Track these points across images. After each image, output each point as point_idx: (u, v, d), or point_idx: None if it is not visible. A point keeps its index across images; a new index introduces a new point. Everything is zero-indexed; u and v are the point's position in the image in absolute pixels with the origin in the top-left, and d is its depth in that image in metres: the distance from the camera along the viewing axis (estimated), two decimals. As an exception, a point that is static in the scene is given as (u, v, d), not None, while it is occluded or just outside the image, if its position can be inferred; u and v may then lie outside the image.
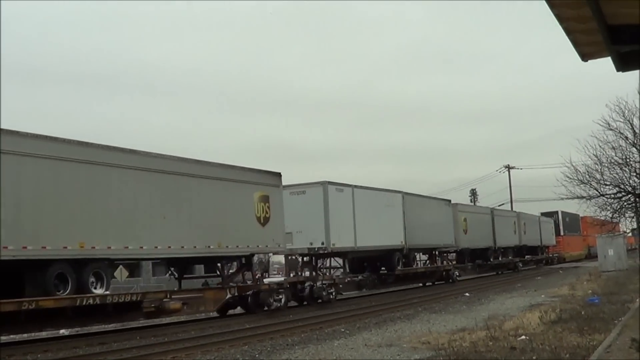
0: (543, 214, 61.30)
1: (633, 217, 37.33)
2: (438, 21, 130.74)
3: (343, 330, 16.91)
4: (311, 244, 25.42)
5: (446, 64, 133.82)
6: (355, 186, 27.80)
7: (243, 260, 21.85)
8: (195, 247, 19.01)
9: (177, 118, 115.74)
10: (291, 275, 24.70)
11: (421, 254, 36.76)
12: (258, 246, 21.44)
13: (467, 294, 27.78)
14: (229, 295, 20.55)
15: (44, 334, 16.72)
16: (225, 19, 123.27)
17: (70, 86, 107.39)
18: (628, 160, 30.72)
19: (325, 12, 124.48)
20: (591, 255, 68.76)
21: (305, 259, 26.65)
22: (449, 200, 38.59)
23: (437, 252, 37.47)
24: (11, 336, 15.88)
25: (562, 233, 65.00)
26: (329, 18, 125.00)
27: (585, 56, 6.79)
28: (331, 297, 24.49)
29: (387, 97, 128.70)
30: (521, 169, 73.11)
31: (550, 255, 61.08)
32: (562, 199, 35.13)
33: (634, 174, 31.04)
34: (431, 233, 34.24)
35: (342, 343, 14.52)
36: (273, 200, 22.26)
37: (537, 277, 39.98)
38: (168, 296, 17.84)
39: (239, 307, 22.23)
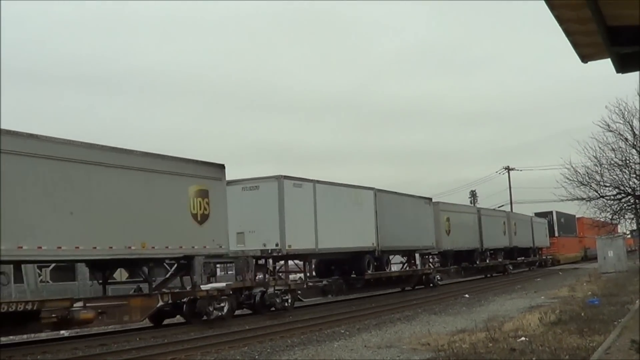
0: (537, 214, 59.92)
1: (633, 219, 37.38)
2: (438, 23, 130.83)
3: (343, 331, 16.91)
4: (264, 245, 22.65)
5: (446, 66, 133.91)
6: (318, 181, 24.98)
7: (180, 263, 19.24)
8: (111, 247, 16.40)
9: (178, 120, 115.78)
10: (238, 279, 21.83)
11: (401, 256, 34.45)
12: (194, 247, 18.83)
13: (466, 296, 27.79)
14: (160, 303, 18.16)
15: (43, 335, 16.71)
16: (225, 22, 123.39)
17: (70, 88, 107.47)
18: (628, 161, 30.81)
19: (324, 14, 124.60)
20: (588, 258, 67.31)
21: (260, 262, 23.61)
22: (430, 199, 35.50)
23: (417, 255, 35.33)
24: (11, 337, 15.87)
25: (556, 234, 62.53)
26: (329, 20, 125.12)
27: (585, 57, 6.81)
28: (286, 304, 21.84)
29: (387, 99, 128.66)
30: (521, 170, 73.03)
31: (544, 257, 58.72)
32: (562, 200, 35.25)
33: (634, 175, 31.10)
34: (408, 234, 31.54)
35: (342, 344, 14.54)
36: (214, 195, 19.58)
37: (536, 279, 39.97)
38: (73, 305, 15.19)
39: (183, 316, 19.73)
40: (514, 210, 61.79)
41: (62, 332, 17.34)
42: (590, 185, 32.17)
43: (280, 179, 22.93)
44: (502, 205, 65.19)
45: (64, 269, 27.88)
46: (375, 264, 28.75)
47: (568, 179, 32.45)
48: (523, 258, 51.37)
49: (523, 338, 12.93)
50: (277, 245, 22.55)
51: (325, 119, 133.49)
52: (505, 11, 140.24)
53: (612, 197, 32.61)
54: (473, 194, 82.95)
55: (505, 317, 17.94)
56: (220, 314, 19.25)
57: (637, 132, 29.78)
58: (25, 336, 16.06)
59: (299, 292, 23.67)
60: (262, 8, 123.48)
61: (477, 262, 41.06)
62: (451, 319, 18.80)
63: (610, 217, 35.34)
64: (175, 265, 19.46)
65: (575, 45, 6.45)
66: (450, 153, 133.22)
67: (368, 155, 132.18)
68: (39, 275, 26.44)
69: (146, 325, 19.09)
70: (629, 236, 58.27)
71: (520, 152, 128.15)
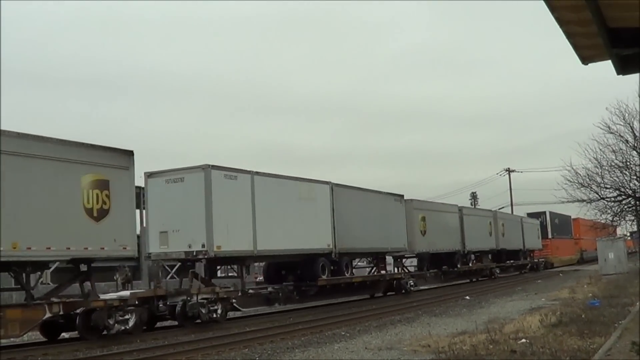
0: (529, 215, 58.08)
1: (633, 221, 37.38)
2: (438, 25, 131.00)
3: (343, 333, 16.90)
4: (189, 246, 19.56)
5: (446, 68, 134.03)
6: (257, 173, 21.62)
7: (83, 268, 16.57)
8: None
9: (178, 121, 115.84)
10: (151, 286, 18.90)
11: (368, 260, 31.42)
12: (87, 248, 15.90)
13: (467, 297, 27.77)
14: (48, 315, 15.34)
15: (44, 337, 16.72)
16: (226, 23, 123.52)
17: (71, 89, 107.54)
18: (628, 163, 30.81)
19: (325, 16, 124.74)
20: (584, 260, 65.65)
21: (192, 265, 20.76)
22: (401, 195, 31.54)
23: (391, 258, 32.35)
24: (11, 339, 15.86)
25: (550, 236, 59.31)
26: (329, 22, 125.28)
27: (585, 59, 6.82)
28: (215, 315, 19.21)
29: (388, 101, 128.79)
30: (521, 172, 72.89)
31: (536, 260, 55.15)
32: (563, 202, 35.28)
33: (634, 177, 31.10)
34: (374, 234, 28.21)
35: (343, 346, 14.54)
36: (117, 187, 16.63)
37: (537, 281, 39.94)
38: None
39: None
40: (514, 212, 61.50)
41: (62, 334, 17.33)
42: (591, 187, 32.21)
43: (207, 168, 19.72)
44: (503, 207, 64.99)
45: (66, 271, 27.82)
46: (332, 268, 25.55)
47: (569, 180, 32.48)
48: (512, 261, 48.59)
49: (524, 340, 12.93)
50: (203, 246, 19.37)
51: (326, 120, 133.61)
52: (505, 13, 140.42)
53: (613, 199, 32.63)
54: (474, 196, 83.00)
55: (505, 319, 17.93)
56: (124, 327, 16.53)
57: (637, 134, 29.79)
58: (26, 338, 16.05)
59: (233, 300, 20.67)
60: (262, 10, 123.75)
61: (459, 266, 37.81)
62: (452, 321, 18.80)
63: (610, 219, 35.38)
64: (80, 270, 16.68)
65: (576, 47, 6.46)
66: (450, 155, 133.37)
67: (368, 157, 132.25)
68: (40, 277, 26.40)
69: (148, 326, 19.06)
70: (629, 238, 58.21)
71: (521, 154, 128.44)
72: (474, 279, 41.27)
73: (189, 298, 18.67)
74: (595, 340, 12.25)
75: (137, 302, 17.50)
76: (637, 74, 7.48)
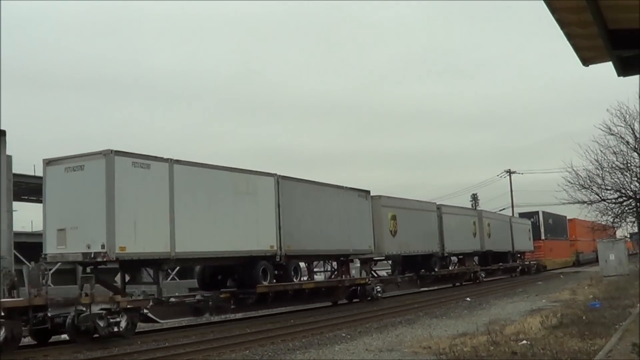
0: (521, 215, 56.37)
1: (634, 222, 37.41)
2: (439, 26, 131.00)
3: (344, 334, 16.88)
4: (88, 247, 16.73)
5: (447, 69, 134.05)
6: (177, 161, 18.57)
7: None
8: None
9: (179, 123, 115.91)
10: (32, 294, 15.78)
11: (333, 262, 27.66)
12: None
13: (468, 299, 27.74)
14: None
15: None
16: (226, 24, 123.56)
17: (73, 90, 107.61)
18: (629, 165, 30.88)
19: (326, 17, 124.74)
20: (580, 263, 63.85)
21: (89, 269, 17.69)
22: (367, 191, 28.20)
23: (357, 261, 29.05)
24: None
25: (543, 237, 56.27)
26: (330, 23, 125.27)
27: (586, 61, 6.83)
28: (118, 329, 16.18)
29: (388, 102, 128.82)
30: (522, 173, 72.83)
31: (527, 263, 52.02)
32: (564, 203, 35.40)
33: (635, 178, 31.16)
34: (333, 234, 25.09)
35: (344, 348, 14.53)
36: None
37: (538, 282, 39.93)
38: None
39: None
40: (516, 214, 61.08)
41: (63, 336, 17.32)
42: (592, 189, 32.28)
43: (109, 154, 16.86)
44: (504, 209, 64.93)
45: (66, 272, 27.80)
46: (278, 272, 22.46)
47: (569, 182, 32.57)
48: (500, 264, 45.34)
49: (524, 341, 12.92)
50: (102, 247, 16.56)
51: (327, 122, 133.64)
52: (506, 14, 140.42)
53: (614, 200, 32.68)
54: (474, 197, 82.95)
55: (506, 321, 17.93)
56: None
57: (638, 135, 29.86)
58: (26, 339, 16.04)
59: (146, 311, 17.55)
60: (263, 11, 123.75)
61: (436, 269, 34.06)
62: (452, 322, 18.79)
63: (611, 220, 35.42)
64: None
65: (577, 49, 6.47)
66: (451, 156, 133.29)
67: (369, 159, 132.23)
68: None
69: (149, 327, 19.08)
70: (629, 239, 58.05)
71: (522, 155, 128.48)
72: (457, 284, 38.59)
73: (82, 309, 15.75)
74: (596, 341, 12.25)
75: (2, 314, 14.41)
76: (638, 76, 7.48)
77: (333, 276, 27.55)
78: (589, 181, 32.17)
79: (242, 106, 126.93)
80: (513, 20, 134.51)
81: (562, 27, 5.84)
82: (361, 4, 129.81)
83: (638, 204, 31.91)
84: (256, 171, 21.72)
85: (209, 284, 21.69)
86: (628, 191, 31.69)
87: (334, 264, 27.69)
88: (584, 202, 33.12)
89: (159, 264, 18.39)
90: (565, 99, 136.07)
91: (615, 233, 45.44)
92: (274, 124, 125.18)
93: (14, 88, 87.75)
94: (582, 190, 32.44)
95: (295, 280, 23.22)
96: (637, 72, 7.19)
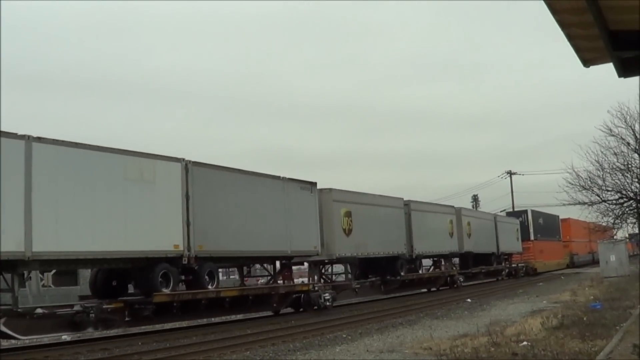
0: (508, 214, 53.66)
1: (635, 223, 37.43)
2: (440, 28, 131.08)
3: (345, 336, 16.88)
4: None
5: (448, 70, 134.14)
6: (39, 139, 14.99)
7: None
8: None
9: (181, 124, 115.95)
10: None
11: (304, 265, 24.09)
12: None
13: (468, 300, 27.73)
14: None
15: (45, 340, 16.72)
16: (228, 25, 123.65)
17: (73, 91, 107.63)
18: (630, 166, 30.93)
19: (327, 19, 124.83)
20: (575, 265, 60.96)
21: None
22: (313, 183, 24.23)
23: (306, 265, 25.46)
24: (12, 341, 15.86)
25: (532, 237, 52.24)
26: (331, 24, 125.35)
27: (587, 62, 6.84)
28: None
29: (389, 104, 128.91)
30: (523, 174, 72.73)
31: (515, 265, 48.36)
32: (564, 204, 35.42)
33: (636, 180, 31.21)
34: (265, 233, 21.39)
35: (344, 349, 14.53)
36: None
37: (539, 283, 39.92)
38: None
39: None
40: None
41: (63, 336, 17.34)
42: (592, 190, 32.31)
43: None
44: (504, 210, 64.81)
45: (66, 274, 27.73)
46: (187, 278, 19.16)
47: (570, 183, 32.61)
48: (482, 267, 41.50)
49: (525, 343, 12.91)
50: None
51: (328, 123, 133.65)
52: (507, 16, 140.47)
53: (614, 201, 32.69)
54: (475, 198, 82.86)
55: (507, 322, 17.91)
56: None
57: (638, 136, 29.88)
58: (27, 340, 16.05)
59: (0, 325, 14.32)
60: (263, 12, 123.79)
61: (402, 274, 30.07)
62: (453, 324, 18.79)
63: (612, 221, 35.44)
64: None
65: (578, 50, 6.48)
66: (452, 157, 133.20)
67: (370, 160, 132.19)
68: (41, 280, 26.41)
69: (149, 329, 19.08)
70: (629, 241, 57.88)
71: (523, 157, 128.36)
72: (433, 289, 35.28)
73: None
74: (596, 342, 12.23)
75: None
76: (639, 77, 7.49)
77: (269, 282, 23.93)
78: (589, 182, 32.28)
79: (243, 107, 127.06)
80: (514, 21, 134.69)
81: (562, 28, 5.85)
82: (363, 5, 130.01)
83: (639, 205, 31.91)
84: (154, 154, 17.86)
85: (102, 291, 18.07)
86: (629, 192, 31.74)
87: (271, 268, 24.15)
88: (585, 203, 33.19)
89: (12, 266, 14.63)
90: (566, 100, 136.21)
91: (614, 234, 45.44)
92: (275, 126, 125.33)
93: (14, 88, 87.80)
94: (583, 191, 32.56)
95: (210, 287, 19.33)
96: (638, 73, 7.20)
